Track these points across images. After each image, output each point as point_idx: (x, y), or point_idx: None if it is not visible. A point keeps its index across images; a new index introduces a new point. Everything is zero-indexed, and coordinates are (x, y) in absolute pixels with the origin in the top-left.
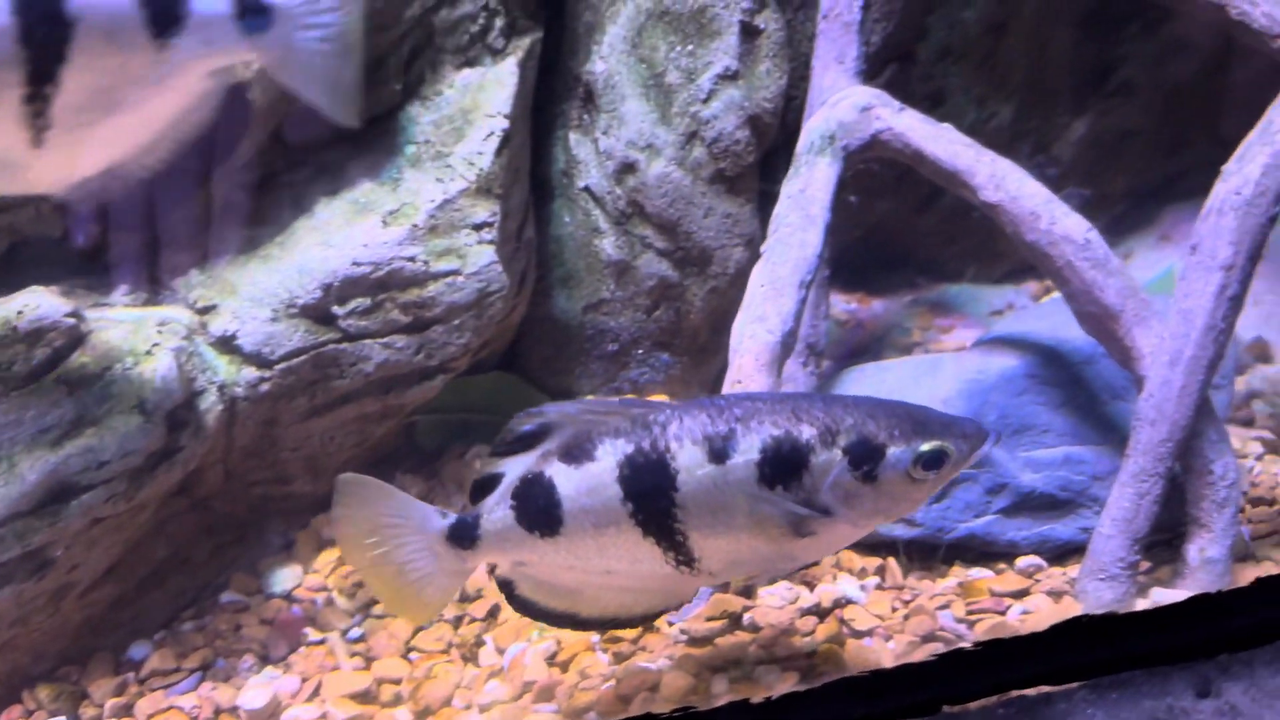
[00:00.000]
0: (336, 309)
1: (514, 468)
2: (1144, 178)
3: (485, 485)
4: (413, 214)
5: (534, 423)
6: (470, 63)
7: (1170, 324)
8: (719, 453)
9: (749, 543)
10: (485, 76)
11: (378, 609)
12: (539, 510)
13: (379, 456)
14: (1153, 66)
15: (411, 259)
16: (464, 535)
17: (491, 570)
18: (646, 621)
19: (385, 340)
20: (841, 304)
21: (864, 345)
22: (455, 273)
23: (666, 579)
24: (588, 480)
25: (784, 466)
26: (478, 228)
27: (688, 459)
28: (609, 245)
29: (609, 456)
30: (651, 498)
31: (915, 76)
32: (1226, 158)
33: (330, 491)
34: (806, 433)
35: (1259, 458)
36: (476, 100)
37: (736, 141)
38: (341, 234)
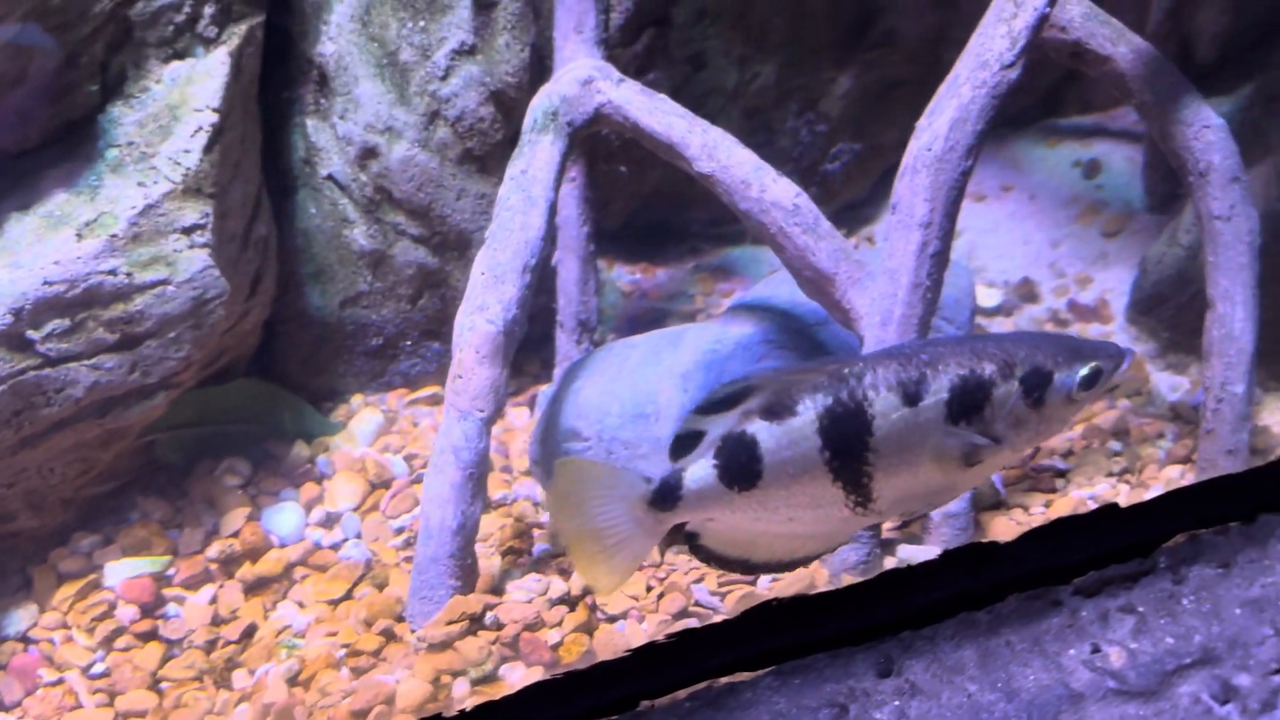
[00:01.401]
0: (32, 334)
1: (715, 428)
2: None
3: (684, 443)
4: (111, 224)
5: (736, 386)
6: (180, 55)
7: (879, 284)
8: (912, 396)
9: (924, 477)
10: (195, 69)
11: (120, 642)
12: (741, 466)
13: (114, 481)
14: (913, 15)
15: (112, 272)
16: (667, 496)
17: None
18: (807, 563)
19: (92, 362)
20: (625, 275)
21: (648, 315)
22: (164, 282)
23: (839, 522)
24: (789, 434)
25: (969, 402)
26: (188, 231)
27: (883, 405)
28: (360, 235)
29: (810, 410)
30: (848, 444)
31: (673, 41)
32: None
33: (62, 523)
34: (988, 368)
35: None
36: (185, 95)
37: (481, 119)
38: (32, 252)
